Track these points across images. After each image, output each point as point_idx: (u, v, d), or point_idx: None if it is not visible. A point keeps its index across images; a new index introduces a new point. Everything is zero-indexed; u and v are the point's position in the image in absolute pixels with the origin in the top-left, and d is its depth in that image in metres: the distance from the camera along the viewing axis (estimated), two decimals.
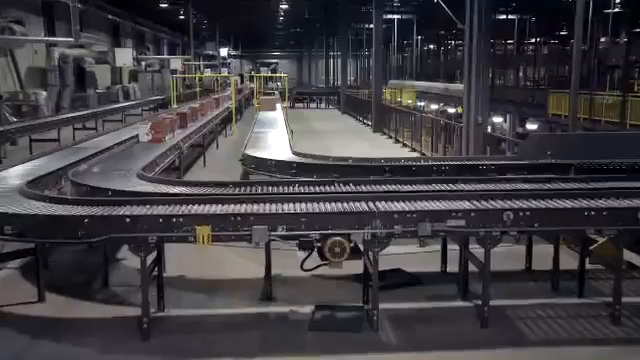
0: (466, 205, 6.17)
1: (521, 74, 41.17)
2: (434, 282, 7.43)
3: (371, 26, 33.05)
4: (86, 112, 23.21)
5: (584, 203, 6.29)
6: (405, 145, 21.92)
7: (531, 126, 27.46)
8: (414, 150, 20.39)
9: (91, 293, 7.16)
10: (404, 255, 7.87)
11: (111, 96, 34.88)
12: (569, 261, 7.47)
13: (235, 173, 12.59)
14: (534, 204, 6.25)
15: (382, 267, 6.18)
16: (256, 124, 17.10)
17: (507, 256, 7.58)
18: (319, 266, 6.50)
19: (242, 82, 52.75)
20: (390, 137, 24.88)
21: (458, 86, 29.09)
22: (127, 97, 36.58)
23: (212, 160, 17.78)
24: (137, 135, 12.62)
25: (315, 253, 6.17)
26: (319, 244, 5.96)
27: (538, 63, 40.18)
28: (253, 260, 7.62)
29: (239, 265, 7.96)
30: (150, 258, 6.09)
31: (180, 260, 7.73)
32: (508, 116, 30.05)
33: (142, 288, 5.94)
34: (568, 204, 6.25)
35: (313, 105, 46.79)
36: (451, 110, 36.20)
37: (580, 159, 8.80)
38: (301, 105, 45.59)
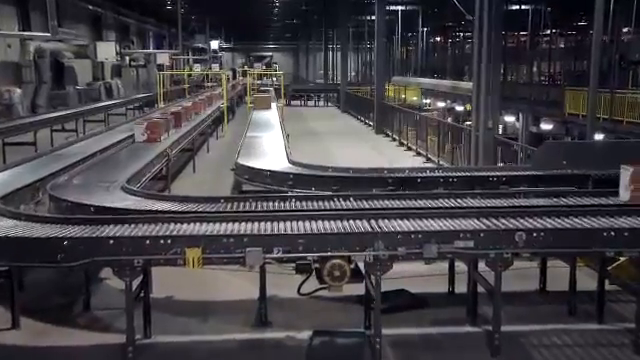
0: (475, 224, 6.21)
1: (535, 69, 41.21)
2: (441, 304, 7.44)
3: (373, 18, 33.09)
4: (67, 112, 23.24)
5: (603, 222, 6.31)
6: (409, 148, 21.97)
7: (546, 126, 27.50)
8: (419, 154, 20.42)
9: (71, 318, 7.15)
10: (408, 273, 7.88)
11: (92, 93, 34.88)
12: (587, 281, 7.47)
13: (227, 180, 12.62)
14: (548, 222, 6.28)
15: (385, 287, 6.18)
16: (250, 126, 17.14)
17: (519, 275, 7.54)
18: (317, 290, 6.52)
19: (234, 77, 52.89)
20: (394, 139, 24.91)
21: (467, 84, 29.12)
22: (110, 94, 36.61)
23: (202, 165, 17.80)
24: (121, 142, 12.75)
25: (313, 274, 6.20)
26: (317, 265, 6.00)
27: (553, 57, 40.23)
28: (247, 279, 7.62)
29: (232, 284, 7.95)
30: (136, 281, 6.11)
31: (168, 278, 7.68)
32: (521, 115, 30.05)
33: (127, 314, 5.95)
34: (585, 223, 6.28)
35: (311, 103, 46.84)
36: (459, 108, 36.33)
37: (599, 169, 8.80)
38: (298, 103, 45.68)
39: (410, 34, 57.00)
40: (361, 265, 6.21)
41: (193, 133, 16.78)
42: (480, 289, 6.75)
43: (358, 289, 6.84)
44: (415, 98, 41.56)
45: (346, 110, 38.86)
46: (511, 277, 6.55)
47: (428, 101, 42.91)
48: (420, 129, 21.25)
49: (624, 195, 7.37)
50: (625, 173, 7.37)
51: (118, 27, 47.21)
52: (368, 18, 46.72)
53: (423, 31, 52.19)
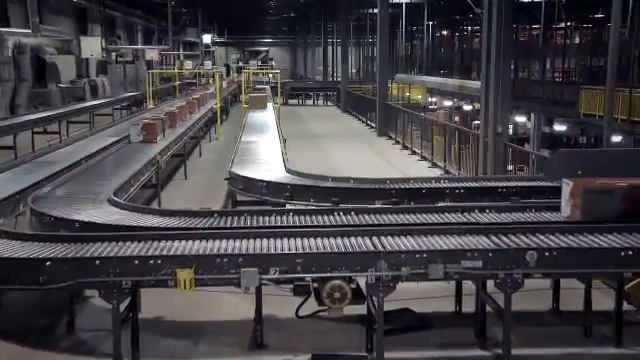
0: (483, 242, 6.23)
1: (548, 66, 41.23)
2: (447, 325, 7.45)
3: (376, 11, 33.09)
4: (49, 113, 23.19)
5: (620, 240, 6.33)
6: (414, 152, 22.02)
7: (559, 127, 27.56)
8: (424, 159, 20.49)
9: (54, 340, 7.13)
10: (412, 290, 7.86)
11: (76, 92, 34.78)
12: (604, 300, 7.46)
13: (221, 189, 12.64)
14: (562, 240, 6.31)
15: (387, 305, 6.21)
16: (245, 130, 17.17)
17: (530, 293, 7.56)
18: (316, 312, 6.54)
19: (228, 74, 52.98)
20: (397, 142, 24.93)
21: (475, 84, 29.12)
22: (95, 93, 36.58)
23: (195, 171, 17.81)
24: (109, 147, 12.88)
25: (312, 295, 6.22)
26: (316, 285, 6.02)
27: (568, 53, 40.21)
28: (242, 297, 7.59)
29: (226, 303, 7.94)
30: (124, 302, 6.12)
31: (158, 297, 7.62)
32: (533, 115, 30.07)
33: (114, 338, 5.98)
34: (601, 241, 6.30)
35: (309, 102, 46.88)
36: (467, 107, 36.40)
37: None
38: (296, 102, 45.73)
39: (415, 28, 56.99)
40: (362, 283, 6.23)
41: (184, 138, 16.88)
42: (489, 308, 6.76)
43: (359, 308, 6.85)
44: (420, 97, 41.61)
45: (347, 110, 38.87)
46: (522, 296, 6.55)
47: (434, 99, 42.97)
48: (425, 131, 21.29)
49: (565, 210, 7.40)
50: (566, 187, 7.39)
51: (104, 21, 47.12)
52: (370, 11, 46.70)
53: (429, 25, 52.19)
